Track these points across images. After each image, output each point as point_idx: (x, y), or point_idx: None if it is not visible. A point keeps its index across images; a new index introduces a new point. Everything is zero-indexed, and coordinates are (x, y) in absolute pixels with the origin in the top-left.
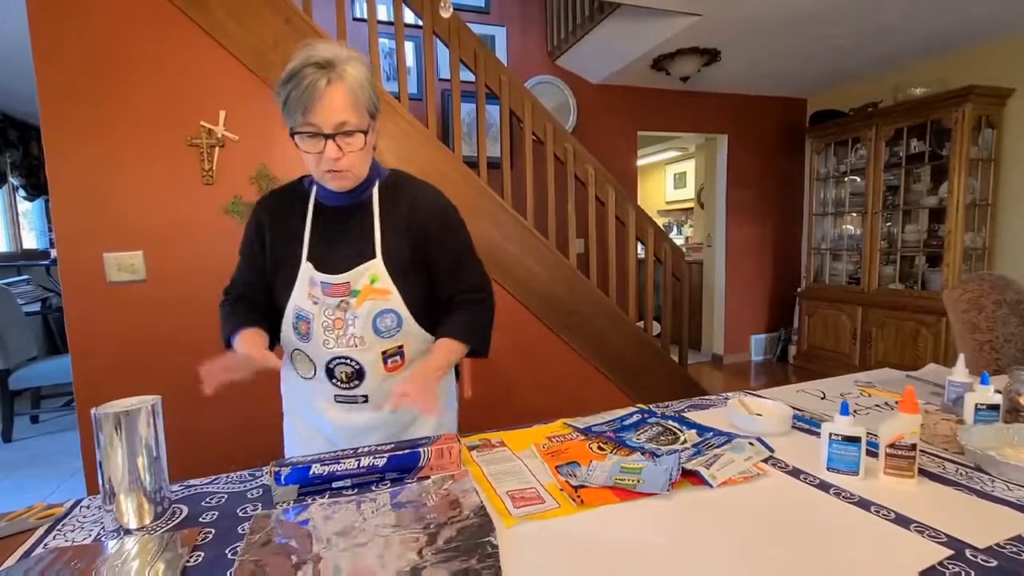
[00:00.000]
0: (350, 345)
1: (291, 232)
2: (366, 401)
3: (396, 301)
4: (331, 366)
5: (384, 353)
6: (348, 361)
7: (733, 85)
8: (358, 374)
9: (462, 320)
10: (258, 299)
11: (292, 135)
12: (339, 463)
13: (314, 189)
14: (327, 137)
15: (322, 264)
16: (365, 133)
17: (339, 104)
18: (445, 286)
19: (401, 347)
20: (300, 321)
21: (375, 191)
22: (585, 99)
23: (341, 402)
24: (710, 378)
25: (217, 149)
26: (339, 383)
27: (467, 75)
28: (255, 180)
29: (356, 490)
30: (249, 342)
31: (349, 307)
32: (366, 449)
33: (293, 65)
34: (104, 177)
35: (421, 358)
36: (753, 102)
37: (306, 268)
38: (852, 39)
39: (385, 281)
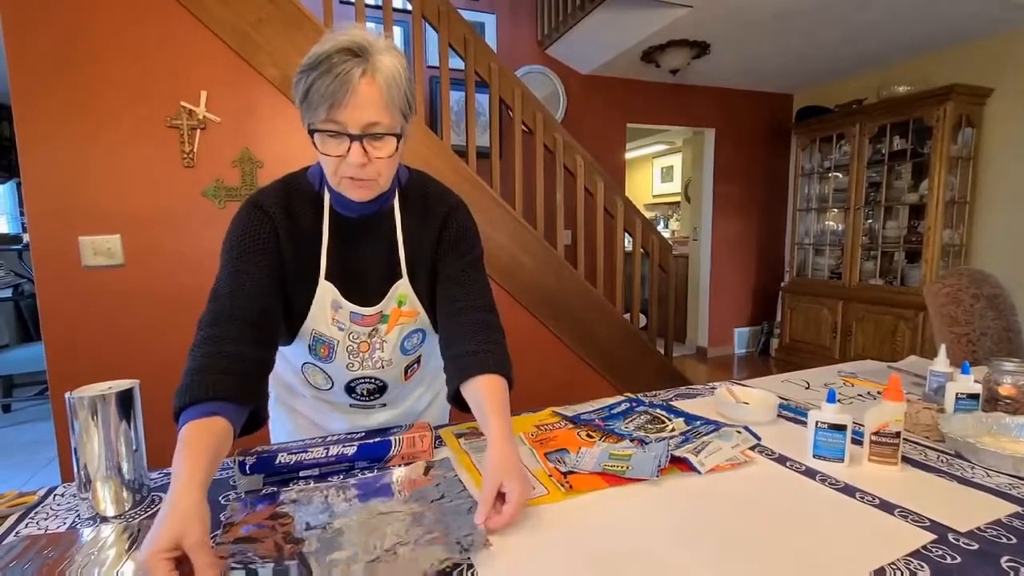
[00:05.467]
0: (376, 367)
1: (305, 240)
2: (384, 406)
3: (423, 320)
4: (352, 384)
5: (406, 367)
6: (372, 380)
7: (722, 79)
8: (380, 390)
9: (503, 355)
10: (263, 322)
11: (310, 133)
12: (307, 451)
13: (326, 192)
14: (353, 139)
15: (350, 290)
16: (397, 138)
17: (371, 101)
18: (453, 298)
19: (420, 356)
20: (320, 345)
21: (396, 199)
22: (574, 90)
23: (357, 408)
24: (694, 371)
25: (198, 131)
26: (359, 397)
27: (455, 63)
28: (238, 164)
29: (341, 476)
30: (192, 464)
31: (378, 333)
32: (335, 437)
33: (321, 49)
34: (79, 158)
35: (497, 459)
36: (741, 97)
37: (327, 290)
38: (838, 35)
39: (413, 302)
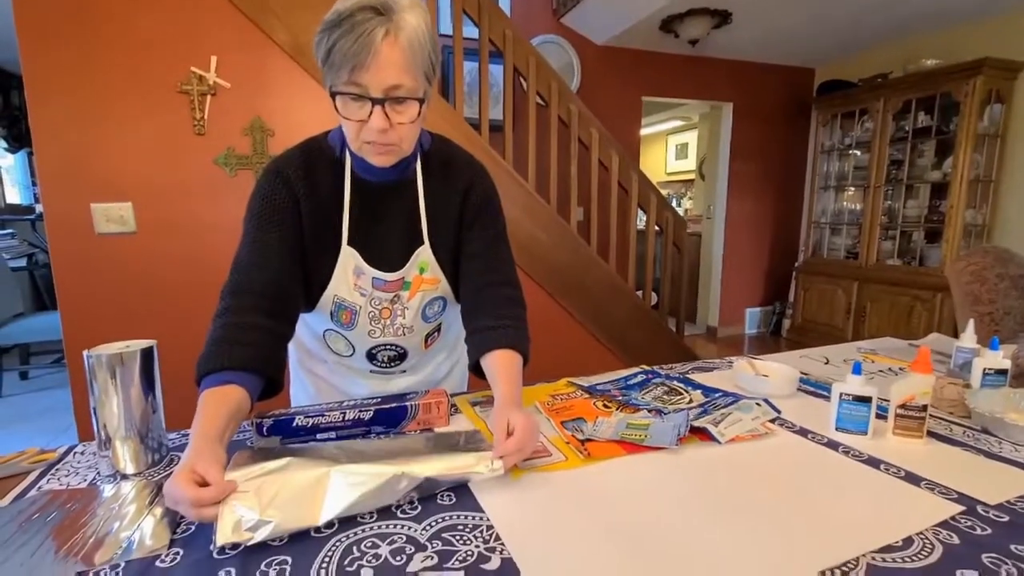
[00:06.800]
0: (398, 334)
1: (327, 206)
2: (404, 373)
3: (444, 288)
4: (374, 351)
5: (426, 335)
6: (393, 347)
7: (742, 52)
8: (401, 357)
9: (520, 330)
10: (282, 295)
11: (332, 96)
12: (323, 415)
13: (348, 156)
14: (375, 102)
15: (372, 256)
16: (420, 102)
17: (393, 62)
18: (477, 273)
19: (440, 324)
20: (342, 311)
21: (418, 165)
22: (589, 61)
23: (378, 374)
24: (704, 350)
25: (209, 97)
26: (380, 364)
27: (468, 31)
28: (249, 132)
29: (358, 440)
30: (209, 437)
31: (400, 300)
32: (352, 402)
33: (343, 5)
34: (90, 124)
35: (503, 406)
36: (761, 70)
37: (349, 255)
38: (864, 3)
39: (434, 269)
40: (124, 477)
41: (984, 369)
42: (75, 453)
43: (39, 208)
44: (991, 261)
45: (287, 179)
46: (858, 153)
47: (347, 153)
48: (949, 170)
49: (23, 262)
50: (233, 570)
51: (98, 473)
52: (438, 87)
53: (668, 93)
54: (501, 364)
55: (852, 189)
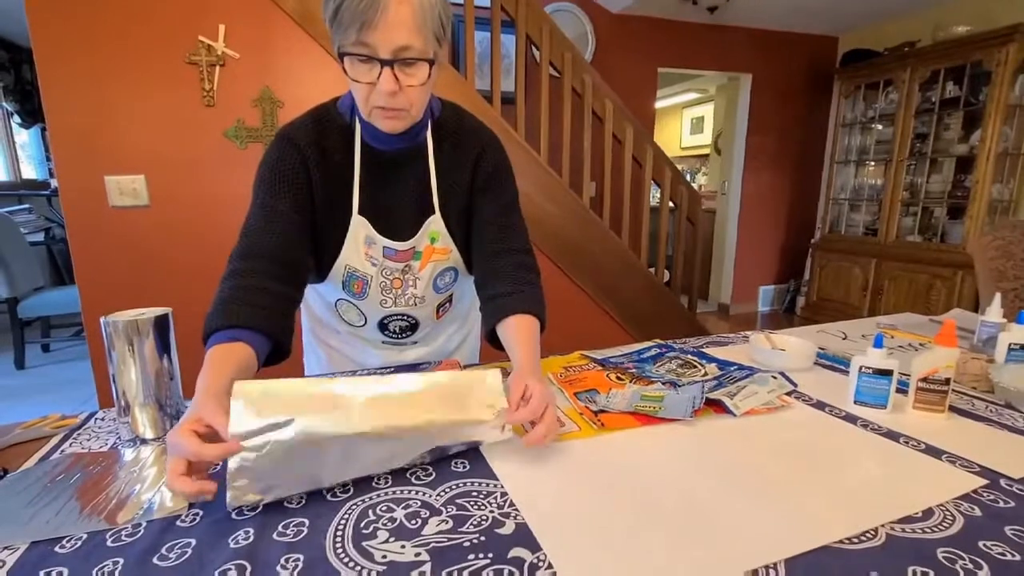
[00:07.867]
0: (409, 304)
1: (337, 174)
2: (416, 343)
3: (455, 258)
4: (385, 321)
5: (438, 305)
6: (404, 317)
7: (762, 19)
8: (412, 327)
9: (536, 295)
10: (291, 260)
11: (340, 57)
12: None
13: (358, 123)
14: (383, 64)
15: (382, 225)
16: (431, 64)
17: (402, 22)
18: (489, 240)
19: (452, 295)
20: (354, 281)
21: (429, 133)
22: (604, 31)
23: (389, 345)
24: (716, 328)
25: (217, 68)
26: (391, 334)
27: (479, 1)
28: (258, 104)
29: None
30: (212, 392)
31: (411, 270)
32: (364, 372)
33: None
34: (101, 97)
35: (522, 373)
36: (782, 39)
37: (360, 224)
38: None
39: (445, 239)
40: (143, 442)
41: (1010, 344)
42: (96, 419)
43: (54, 183)
44: (1018, 236)
45: (297, 146)
46: (880, 127)
47: (357, 120)
48: (976, 143)
49: (40, 237)
50: (252, 530)
51: (118, 438)
52: (448, 57)
53: (685, 64)
54: (518, 329)
55: (873, 164)
